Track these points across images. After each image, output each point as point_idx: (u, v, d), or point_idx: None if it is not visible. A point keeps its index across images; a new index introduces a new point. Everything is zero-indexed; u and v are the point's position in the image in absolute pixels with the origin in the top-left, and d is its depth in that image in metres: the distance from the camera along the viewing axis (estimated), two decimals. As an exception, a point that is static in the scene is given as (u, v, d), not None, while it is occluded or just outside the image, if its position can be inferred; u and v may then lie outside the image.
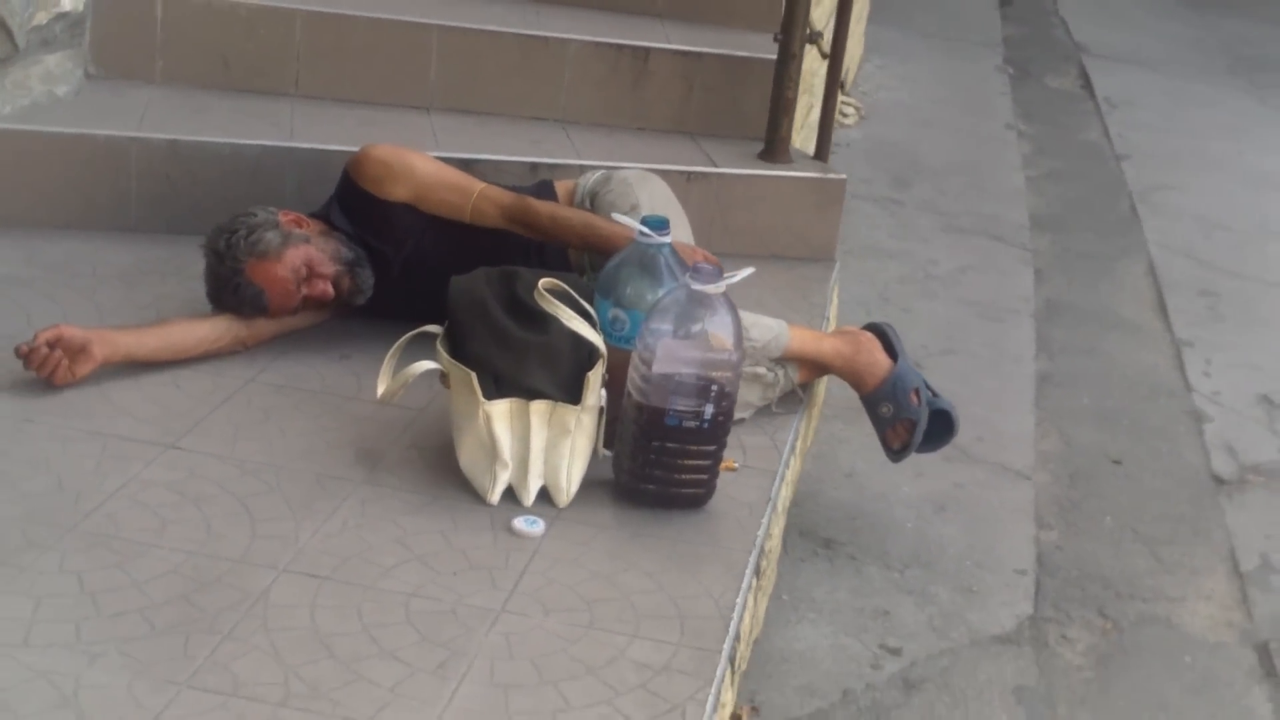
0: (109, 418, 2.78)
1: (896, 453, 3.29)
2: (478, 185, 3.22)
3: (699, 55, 4.31)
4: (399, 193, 3.18)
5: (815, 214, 4.09)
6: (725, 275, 2.65)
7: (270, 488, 2.62)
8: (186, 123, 3.75)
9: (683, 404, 2.64)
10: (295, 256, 3.08)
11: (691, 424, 2.65)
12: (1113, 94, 8.43)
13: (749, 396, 3.09)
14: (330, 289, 3.12)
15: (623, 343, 2.77)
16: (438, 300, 2.85)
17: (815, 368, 3.27)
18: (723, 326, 2.65)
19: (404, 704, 2.11)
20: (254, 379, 3.02)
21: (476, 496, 2.67)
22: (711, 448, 2.71)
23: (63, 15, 3.73)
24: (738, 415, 2.84)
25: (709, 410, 2.66)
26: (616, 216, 2.98)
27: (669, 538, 2.64)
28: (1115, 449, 4.38)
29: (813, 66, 5.10)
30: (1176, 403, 4.76)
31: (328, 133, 3.82)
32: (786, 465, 3.05)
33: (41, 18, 3.63)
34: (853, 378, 3.28)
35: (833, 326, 3.87)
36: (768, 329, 3.16)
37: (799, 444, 3.30)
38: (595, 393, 2.69)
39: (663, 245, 2.80)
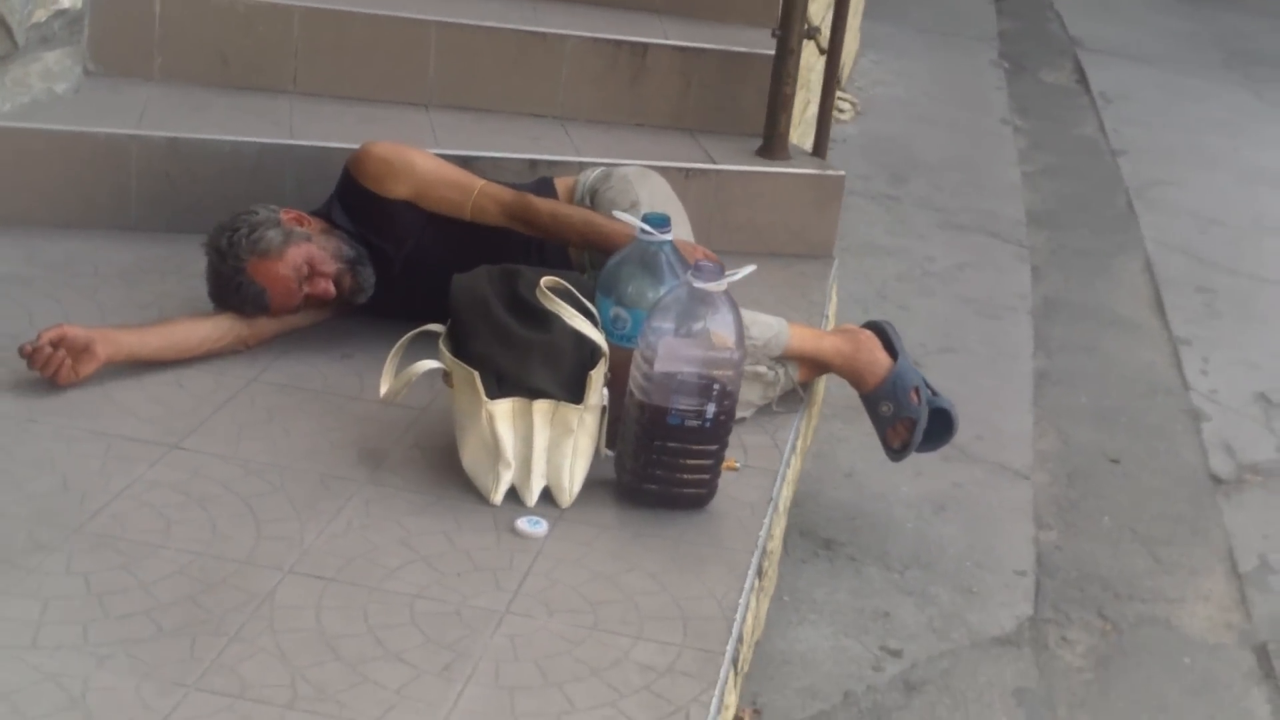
0: (113, 418, 2.78)
1: (897, 452, 3.29)
2: (478, 183, 3.22)
3: (697, 51, 4.31)
4: (400, 190, 3.18)
5: (814, 211, 4.10)
6: (727, 273, 2.65)
7: (275, 488, 2.62)
8: (186, 120, 3.74)
9: (685, 403, 2.64)
10: (297, 255, 3.08)
11: (693, 423, 2.65)
12: (1108, 89, 8.45)
13: (749, 395, 3.09)
14: (332, 287, 3.12)
15: (624, 341, 2.76)
16: (438, 298, 2.85)
17: (815, 366, 3.27)
18: (724, 325, 2.65)
19: (410, 706, 2.11)
20: (256, 378, 3.02)
21: (480, 497, 2.67)
22: (713, 447, 2.71)
23: (61, 12, 3.72)
24: (738, 414, 2.84)
25: (711, 409, 2.66)
26: (617, 214, 2.98)
27: (671, 538, 2.64)
28: (1113, 448, 4.39)
29: (809, 61, 5.09)
30: (1174, 401, 4.77)
31: (327, 130, 3.82)
32: (787, 465, 3.06)
33: (41, 15, 3.63)
34: (853, 376, 3.28)
35: (832, 324, 3.87)
36: (768, 327, 3.16)
37: (799, 443, 3.30)
38: (598, 391, 2.69)
39: (664, 243, 2.79)
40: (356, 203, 3.20)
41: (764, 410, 3.16)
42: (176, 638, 2.19)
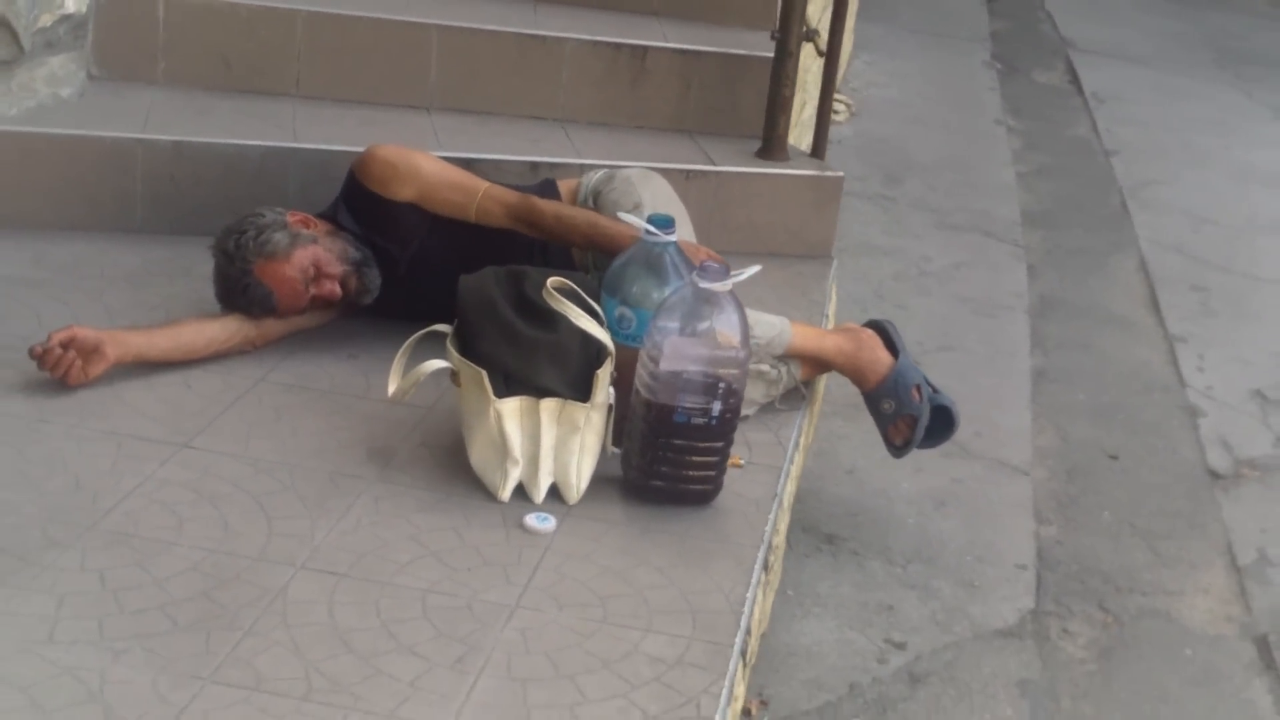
0: (123, 418, 2.80)
1: (899, 449, 3.32)
2: (482, 185, 3.24)
3: (696, 53, 4.33)
4: (405, 192, 3.20)
5: (812, 211, 4.12)
6: (732, 273, 2.68)
7: (284, 486, 2.65)
8: (190, 124, 3.76)
9: (691, 401, 2.66)
10: (303, 257, 3.10)
11: (699, 421, 2.68)
12: (1100, 89, 8.48)
13: (753, 394, 3.11)
14: (338, 289, 3.14)
15: (630, 341, 2.78)
16: (442, 299, 2.87)
17: (817, 365, 3.29)
18: (730, 324, 2.67)
19: (424, 698, 2.14)
20: (264, 379, 3.04)
21: (488, 494, 2.69)
22: (719, 444, 2.74)
23: (66, 17, 3.74)
24: (742, 412, 2.86)
25: (717, 407, 2.68)
26: (622, 215, 3.00)
27: (678, 533, 2.66)
28: (1111, 444, 4.42)
29: (805, 63, 5.11)
30: (1171, 398, 4.80)
31: (330, 133, 3.84)
32: (791, 461, 3.08)
33: (46, 20, 3.65)
34: (855, 374, 3.30)
35: (832, 324, 3.90)
36: (770, 326, 3.19)
37: (802, 440, 3.33)
38: (604, 390, 2.72)
39: (668, 244, 2.81)
40: (362, 205, 3.22)
41: (767, 408, 3.18)
42: (191, 632, 2.21)
